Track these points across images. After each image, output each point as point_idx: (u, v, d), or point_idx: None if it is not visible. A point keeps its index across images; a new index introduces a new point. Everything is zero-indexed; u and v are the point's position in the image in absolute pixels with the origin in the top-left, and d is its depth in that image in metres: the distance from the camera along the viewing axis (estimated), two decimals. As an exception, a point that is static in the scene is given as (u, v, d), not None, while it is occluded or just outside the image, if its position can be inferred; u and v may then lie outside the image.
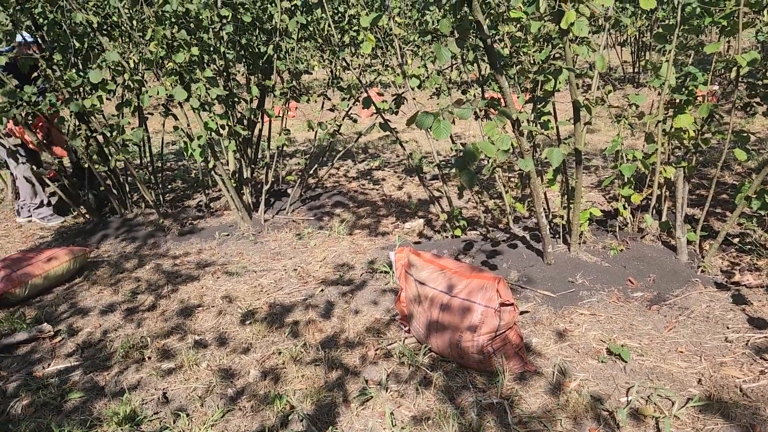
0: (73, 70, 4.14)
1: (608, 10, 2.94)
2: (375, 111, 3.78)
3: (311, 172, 5.65)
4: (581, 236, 3.49)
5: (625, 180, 3.51)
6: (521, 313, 2.95)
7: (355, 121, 4.66)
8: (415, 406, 2.34)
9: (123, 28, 4.63)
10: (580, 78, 2.79)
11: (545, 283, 3.17)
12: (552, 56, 3.30)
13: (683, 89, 3.15)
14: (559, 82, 2.77)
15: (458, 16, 2.39)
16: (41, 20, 4.39)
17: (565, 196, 3.49)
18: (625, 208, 3.58)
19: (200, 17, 3.92)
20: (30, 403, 2.55)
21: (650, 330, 2.73)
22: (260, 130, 4.97)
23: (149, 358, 2.83)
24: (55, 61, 4.19)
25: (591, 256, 3.37)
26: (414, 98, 3.73)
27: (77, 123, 4.49)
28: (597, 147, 6.25)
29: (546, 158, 2.73)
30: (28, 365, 2.85)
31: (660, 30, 3.01)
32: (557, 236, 3.64)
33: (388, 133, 8.23)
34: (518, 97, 3.62)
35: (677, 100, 3.20)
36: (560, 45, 3.34)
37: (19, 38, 4.31)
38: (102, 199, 5.14)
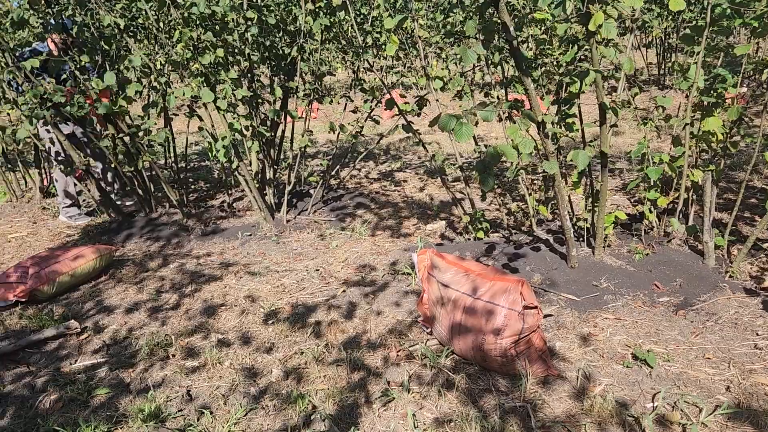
0: (101, 72, 4.20)
1: (635, 11, 2.91)
2: (397, 113, 3.78)
3: (333, 173, 5.67)
4: (606, 239, 3.45)
5: (651, 183, 3.46)
6: (545, 316, 2.92)
7: (377, 122, 4.67)
8: (437, 408, 2.33)
9: (150, 30, 4.69)
10: (605, 80, 2.77)
11: (569, 286, 3.14)
12: (577, 58, 3.28)
13: (712, 91, 3.10)
14: (585, 84, 2.75)
15: (484, 18, 2.38)
16: (70, 23, 4.46)
17: (590, 199, 3.46)
18: (651, 212, 3.53)
19: (226, 19, 3.96)
20: (58, 398, 2.59)
21: (677, 335, 2.69)
22: (283, 131, 5.00)
23: (173, 356, 2.86)
24: (83, 63, 4.26)
25: (616, 259, 3.33)
26: (437, 100, 3.72)
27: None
28: (621, 149, 6.18)
29: (571, 160, 2.71)
30: (55, 361, 2.90)
31: (688, 31, 2.96)
32: (581, 239, 3.61)
33: (409, 134, 8.23)
34: (543, 99, 3.60)
35: (705, 103, 3.15)
36: (586, 47, 3.31)
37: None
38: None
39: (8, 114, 6.11)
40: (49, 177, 6.19)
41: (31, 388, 2.69)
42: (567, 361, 2.57)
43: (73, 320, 3.19)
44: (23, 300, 3.48)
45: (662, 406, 2.23)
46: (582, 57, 3.39)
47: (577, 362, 2.55)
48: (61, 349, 3.02)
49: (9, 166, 5.98)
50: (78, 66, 4.28)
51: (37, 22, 4.04)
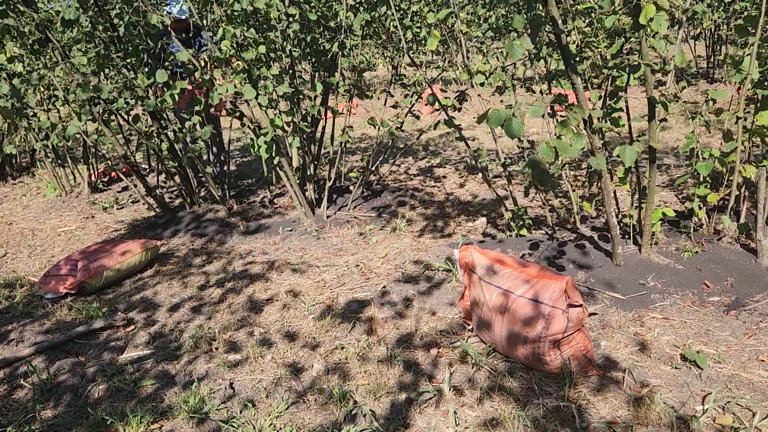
0: (146, 70, 4.29)
1: (686, 2, 2.81)
2: (437, 108, 3.76)
3: (373, 169, 5.67)
4: (653, 237, 3.36)
5: (701, 179, 3.36)
6: (589, 315, 2.87)
7: (417, 117, 4.64)
8: (479, 406, 2.31)
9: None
10: (655, 73, 2.68)
11: (614, 284, 3.07)
12: (624, 51, 3.19)
13: (766, 84, 2.98)
14: (633, 78, 2.68)
15: (532, 12, 2.34)
16: (117, 21, 4.57)
17: (636, 196, 3.37)
18: (700, 209, 3.42)
19: (268, 16, 3.99)
20: (106, 388, 2.66)
21: (728, 336, 2.61)
22: (323, 127, 5.02)
23: (216, 349, 2.91)
24: (130, 61, 4.36)
25: (663, 257, 3.24)
26: (479, 95, 3.68)
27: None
28: (668, 145, 6.01)
29: (617, 156, 2.64)
30: (104, 352, 2.98)
31: (740, 22, 2.85)
32: (627, 237, 3.52)
33: (448, 130, 8.17)
34: (590, 93, 3.52)
35: (759, 96, 3.03)
36: (632, 39, 3.22)
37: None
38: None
39: (58, 110, 6.30)
40: (97, 172, 6.36)
41: (81, 377, 2.77)
42: (613, 361, 2.51)
43: (120, 312, 3.28)
44: (73, 292, 3.59)
45: (713, 409, 2.16)
46: (628, 50, 3.31)
47: (623, 362, 2.50)
48: (109, 340, 3.10)
49: (59, 161, 6.17)
50: (127, 63, 4.37)
51: (86, 22, 4.14)
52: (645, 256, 3.24)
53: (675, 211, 4.00)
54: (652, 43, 2.42)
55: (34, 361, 2.92)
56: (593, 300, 3.00)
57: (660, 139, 6.26)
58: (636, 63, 2.43)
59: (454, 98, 3.84)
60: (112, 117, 4.82)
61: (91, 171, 6.33)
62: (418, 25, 6.33)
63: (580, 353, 2.40)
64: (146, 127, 4.85)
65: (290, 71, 4.50)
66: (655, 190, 3.06)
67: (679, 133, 6.41)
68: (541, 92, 3.62)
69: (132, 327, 3.21)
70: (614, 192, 3.65)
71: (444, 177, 5.75)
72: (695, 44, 9.86)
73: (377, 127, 4.63)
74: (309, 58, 4.70)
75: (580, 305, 2.34)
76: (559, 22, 2.45)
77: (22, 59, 5.18)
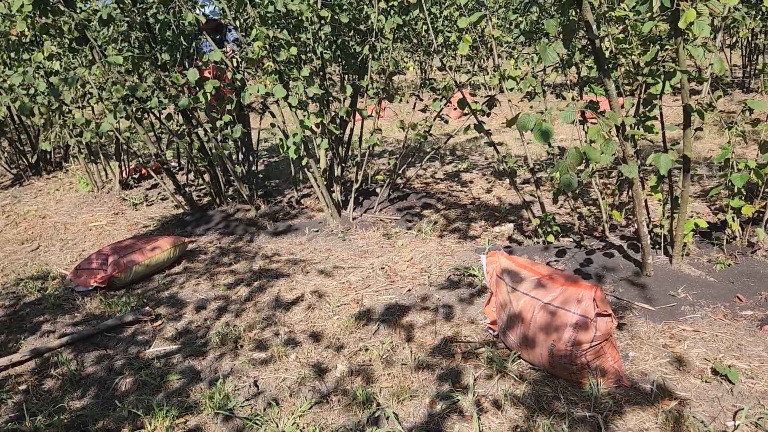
0: (179, 69, 4.35)
1: (727, 9, 2.76)
2: (466, 112, 3.74)
3: (399, 172, 5.67)
4: (684, 248, 3.30)
5: (735, 190, 3.29)
6: (618, 325, 2.82)
7: (446, 121, 4.63)
8: (503, 413, 2.29)
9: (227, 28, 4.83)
10: (691, 81, 2.63)
11: (644, 295, 3.02)
12: (659, 58, 3.14)
13: (807, 94, 2.91)
14: (668, 85, 2.63)
15: (566, 17, 2.32)
16: (152, 20, 4.65)
17: (668, 205, 3.32)
18: (734, 221, 3.36)
19: (301, 18, 4.02)
20: (133, 381, 2.70)
21: (761, 352, 2.55)
22: (351, 129, 5.03)
23: (242, 347, 2.93)
24: (164, 60, 4.42)
25: (694, 269, 3.18)
26: (509, 100, 3.66)
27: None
28: (701, 155, 5.91)
29: (650, 164, 2.60)
30: (131, 346, 3.02)
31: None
32: (657, 247, 3.47)
33: (476, 134, 8.14)
34: (623, 100, 3.47)
35: (799, 106, 2.96)
36: (667, 46, 3.17)
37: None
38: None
39: (92, 108, 6.42)
40: (128, 168, 6.47)
41: (109, 370, 2.81)
42: (641, 373, 2.47)
43: (148, 308, 3.32)
44: (102, 286, 3.65)
45: (745, 425, 2.11)
46: (663, 57, 3.26)
47: (651, 374, 2.45)
48: (137, 334, 3.14)
49: (91, 157, 6.29)
50: (161, 63, 4.44)
51: (122, 21, 4.22)
52: (676, 267, 3.18)
53: (707, 222, 3.92)
54: (690, 50, 2.38)
55: (64, 353, 2.98)
56: (622, 310, 2.96)
57: (692, 148, 6.15)
58: (672, 70, 2.40)
59: (483, 103, 3.82)
60: (145, 115, 4.89)
61: (123, 168, 6.44)
62: (449, 29, 6.33)
63: (608, 363, 2.37)
64: (177, 125, 4.92)
65: (320, 73, 4.53)
66: (687, 200, 3.00)
67: (712, 143, 6.29)
68: (572, 98, 3.58)
69: (159, 322, 3.26)
70: (645, 201, 3.60)
71: (471, 182, 5.73)
72: (731, 53, 9.69)
73: (405, 131, 4.63)
74: (339, 60, 4.72)
75: (609, 315, 2.30)
76: (594, 26, 2.42)
77: (59, 57, 5.30)
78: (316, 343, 2.92)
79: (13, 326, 3.32)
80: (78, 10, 4.19)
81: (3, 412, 2.53)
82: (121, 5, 4.15)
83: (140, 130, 4.68)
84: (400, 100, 4.85)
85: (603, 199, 3.78)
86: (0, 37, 5.64)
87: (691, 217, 3.31)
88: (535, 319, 2.43)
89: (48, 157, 7.47)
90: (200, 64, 4.62)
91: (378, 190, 5.35)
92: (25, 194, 6.43)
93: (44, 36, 4.24)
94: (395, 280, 3.58)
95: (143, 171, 6.72)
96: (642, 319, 2.87)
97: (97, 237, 4.83)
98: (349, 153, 5.42)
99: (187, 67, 4.65)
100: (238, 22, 4.34)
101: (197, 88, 4.38)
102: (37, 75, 4.29)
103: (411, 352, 2.76)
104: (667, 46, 3.16)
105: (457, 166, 6.42)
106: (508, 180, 5.62)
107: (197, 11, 4.88)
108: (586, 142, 3.83)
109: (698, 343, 2.64)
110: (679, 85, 2.75)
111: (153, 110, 4.70)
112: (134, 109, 4.44)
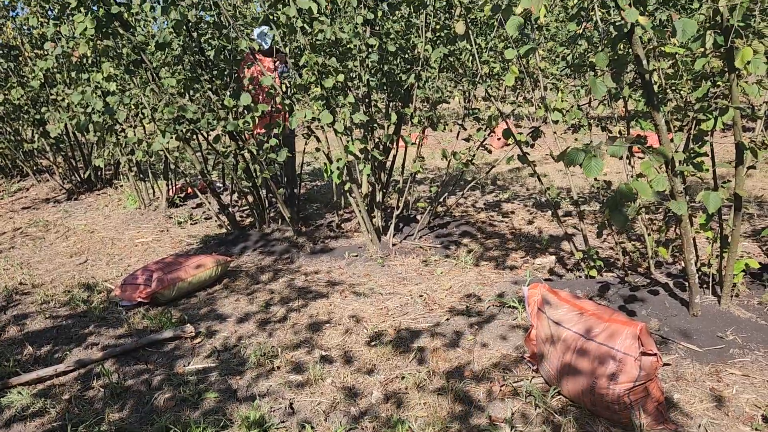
0: (230, 92, 4.47)
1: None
2: (509, 142, 3.73)
3: (440, 200, 5.67)
4: (734, 288, 3.20)
5: (789, 231, 3.18)
6: (663, 365, 2.74)
7: (489, 151, 4.63)
8: (542, 451, 2.23)
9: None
10: (744, 118, 2.58)
11: (690, 335, 2.93)
12: (711, 94, 3.09)
13: None
14: (721, 121, 2.59)
15: (615, 51, 2.31)
16: (206, 45, 4.80)
17: (717, 244, 3.23)
18: (787, 262, 3.24)
19: (349, 45, 4.10)
20: (171, 397, 2.73)
21: (816, 401, 2.43)
22: (394, 156, 5.07)
23: (278, 368, 2.95)
24: (217, 84, 4.56)
25: (744, 311, 3.07)
26: (554, 132, 3.64)
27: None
28: (752, 193, 5.74)
29: (699, 201, 2.54)
30: (171, 361, 3.07)
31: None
32: (705, 286, 3.37)
33: (518, 165, 8.10)
34: (671, 135, 3.42)
35: None
36: (720, 82, 3.12)
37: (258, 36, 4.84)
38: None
39: (144, 127, 6.64)
40: (175, 187, 6.63)
41: (148, 385, 2.86)
42: (686, 416, 2.39)
43: (188, 324, 3.37)
44: (146, 301, 3.73)
45: (798, 479, 2.01)
46: (715, 93, 3.20)
47: (697, 418, 2.37)
48: (177, 350, 3.19)
49: (140, 175, 6.48)
50: (213, 86, 4.58)
51: (178, 45, 4.37)
52: (724, 308, 3.08)
53: (759, 263, 3.80)
54: (744, 87, 2.34)
55: (106, 365, 3.04)
56: (667, 349, 2.87)
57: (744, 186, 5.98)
58: (725, 106, 2.35)
59: (528, 134, 3.81)
60: (193, 136, 5.03)
61: (170, 186, 6.61)
62: (494, 59, 6.36)
63: (652, 405, 2.30)
64: (224, 146, 5.04)
65: (366, 100, 4.59)
66: (738, 239, 2.92)
67: (763, 182, 6.12)
68: (619, 132, 3.54)
69: (199, 339, 3.30)
70: (693, 239, 3.51)
71: (512, 212, 5.69)
72: (784, 90, 9.44)
73: (448, 159, 4.64)
74: (384, 87, 4.78)
75: (654, 354, 2.24)
76: (644, 61, 2.40)
77: (115, 78, 5.51)
78: (352, 367, 2.92)
79: (59, 337, 3.41)
80: (135, 34, 4.36)
81: (47, 420, 2.59)
82: (178, 30, 4.30)
83: (188, 150, 4.81)
84: (444, 128, 4.87)
85: (649, 234, 3.71)
86: (62, 58, 5.91)
87: (742, 257, 3.21)
88: (576, 355, 2.38)
89: (99, 173, 7.73)
90: (250, 87, 4.74)
91: (418, 217, 5.35)
92: (76, 209, 6.65)
93: (103, 58, 4.43)
94: (433, 308, 3.56)
95: (189, 190, 6.88)
96: (688, 360, 2.78)
97: (142, 253, 4.95)
98: (391, 179, 5.46)
99: (236, 90, 4.78)
100: (288, 49, 4.45)
101: (246, 111, 4.49)
102: (95, 94, 4.46)
103: (447, 381, 2.73)
104: (719, 82, 3.11)
105: (498, 195, 6.39)
106: (549, 212, 5.57)
107: (255, 36, 5.04)
108: (632, 176, 3.78)
109: (748, 389, 2.54)
110: (731, 122, 2.70)
111: (201, 131, 4.83)
112: (184, 129, 4.58)
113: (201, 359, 3.08)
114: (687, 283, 3.01)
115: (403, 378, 2.78)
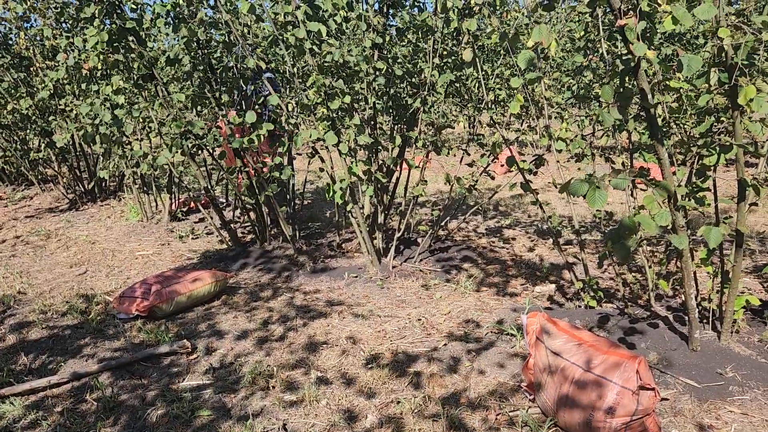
0: (237, 109, 4.51)
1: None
2: (512, 169, 3.75)
3: (442, 224, 5.68)
4: (734, 324, 3.18)
5: (791, 269, 3.18)
6: (661, 400, 2.72)
7: (492, 177, 4.65)
8: (536, 483, 2.21)
9: (284, 74, 5.00)
10: (746, 155, 2.60)
11: (689, 370, 2.91)
12: (714, 130, 3.11)
13: None
14: (724, 158, 2.60)
15: (621, 84, 2.33)
16: (215, 62, 4.85)
17: (718, 279, 3.22)
18: (787, 300, 3.23)
19: (357, 68, 4.14)
20: (164, 413, 2.71)
21: (814, 442, 2.41)
22: (397, 178, 5.09)
23: (273, 387, 2.93)
24: (223, 101, 4.59)
25: (744, 348, 3.06)
26: (558, 161, 3.66)
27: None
28: (754, 229, 5.74)
29: (700, 236, 2.55)
30: (166, 377, 3.05)
31: None
32: (705, 321, 3.35)
33: (519, 191, 8.12)
34: (674, 168, 3.43)
35: None
36: (723, 118, 3.14)
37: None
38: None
39: (150, 140, 6.68)
40: (178, 201, 6.65)
41: (142, 400, 2.84)
42: (683, 453, 2.36)
43: (185, 340, 3.36)
44: (144, 315, 3.72)
45: None
46: (718, 129, 3.22)
47: (694, 456, 2.34)
48: (173, 366, 3.17)
49: (144, 188, 6.50)
50: (220, 102, 4.62)
51: (189, 61, 4.42)
52: (724, 344, 3.07)
53: (760, 299, 3.79)
54: (747, 124, 2.35)
55: (101, 378, 3.03)
56: (665, 384, 2.85)
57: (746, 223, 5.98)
58: (728, 143, 2.37)
59: (531, 162, 3.83)
60: (199, 151, 5.06)
61: (173, 200, 6.63)
62: (499, 86, 6.41)
63: (649, 440, 2.27)
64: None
65: (371, 122, 4.63)
66: (739, 275, 2.92)
67: (766, 218, 6.12)
68: (622, 164, 3.56)
69: (195, 355, 3.29)
70: (694, 273, 3.50)
71: (513, 239, 5.69)
72: (787, 127, 9.48)
73: (450, 183, 4.65)
74: (390, 110, 4.82)
75: (653, 389, 2.23)
76: (649, 95, 2.42)
77: (124, 92, 5.57)
78: (348, 389, 2.90)
79: (55, 348, 3.40)
80: (147, 49, 4.41)
81: (37, 432, 2.57)
82: (189, 47, 4.36)
83: (193, 165, 4.83)
84: (447, 153, 4.89)
85: (650, 267, 3.70)
86: (73, 70, 5.97)
87: (743, 293, 3.20)
88: (573, 387, 2.37)
89: (103, 185, 7.76)
90: (257, 107, 4.78)
91: (419, 239, 5.35)
92: (79, 219, 6.66)
93: (113, 71, 4.47)
94: (431, 332, 3.54)
95: (191, 205, 6.90)
96: (686, 395, 2.76)
97: (142, 266, 4.94)
98: (393, 201, 5.47)
99: (243, 107, 4.82)
100: (296, 69, 4.49)
101: (252, 129, 4.53)
102: (103, 107, 4.50)
103: (443, 408, 2.71)
104: (722, 118, 3.13)
105: (500, 221, 6.39)
106: (551, 239, 5.56)
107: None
108: (634, 207, 3.78)
109: (746, 427, 2.52)
110: (734, 158, 2.72)
111: (207, 147, 4.86)
112: (190, 144, 4.60)
113: (196, 376, 3.06)
114: (687, 318, 3.00)
115: (398, 402, 2.76)
